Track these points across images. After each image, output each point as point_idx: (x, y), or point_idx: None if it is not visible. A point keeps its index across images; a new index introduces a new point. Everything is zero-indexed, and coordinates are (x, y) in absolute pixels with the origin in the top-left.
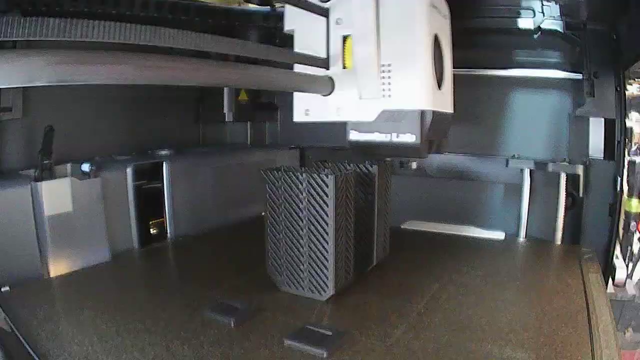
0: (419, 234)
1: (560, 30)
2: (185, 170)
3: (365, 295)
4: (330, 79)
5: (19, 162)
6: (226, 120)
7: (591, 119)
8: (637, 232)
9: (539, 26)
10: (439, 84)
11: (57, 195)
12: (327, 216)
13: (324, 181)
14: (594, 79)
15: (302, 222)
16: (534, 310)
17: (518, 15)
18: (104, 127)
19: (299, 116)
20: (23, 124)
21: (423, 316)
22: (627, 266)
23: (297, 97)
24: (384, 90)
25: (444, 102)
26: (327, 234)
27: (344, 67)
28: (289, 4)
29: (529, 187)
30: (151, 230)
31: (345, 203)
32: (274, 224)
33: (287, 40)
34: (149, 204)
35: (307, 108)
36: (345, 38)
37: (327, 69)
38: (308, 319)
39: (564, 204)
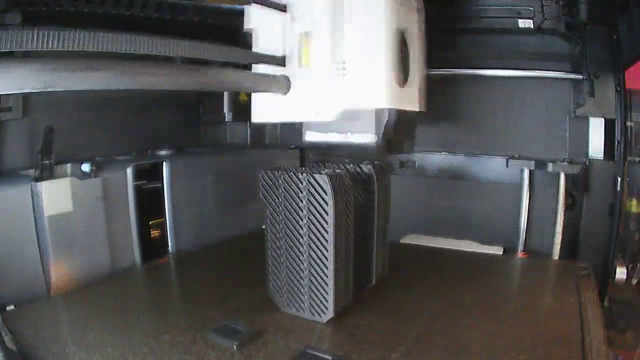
0: (418, 249)
1: (560, 30)
2: (186, 170)
3: (365, 317)
4: (286, 77)
5: (19, 162)
6: (226, 120)
7: (591, 119)
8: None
9: (539, 26)
10: (402, 81)
11: (57, 195)
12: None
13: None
14: (594, 79)
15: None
16: (529, 331)
17: (518, 15)
18: (104, 127)
19: (257, 117)
20: (23, 124)
21: (421, 338)
22: (627, 266)
23: (255, 97)
24: (341, 88)
25: (408, 100)
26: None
27: (302, 65)
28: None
29: (528, 187)
30: (151, 230)
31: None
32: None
33: None
34: (149, 204)
35: (265, 108)
36: (304, 35)
37: (284, 66)
38: (308, 342)
39: (562, 214)
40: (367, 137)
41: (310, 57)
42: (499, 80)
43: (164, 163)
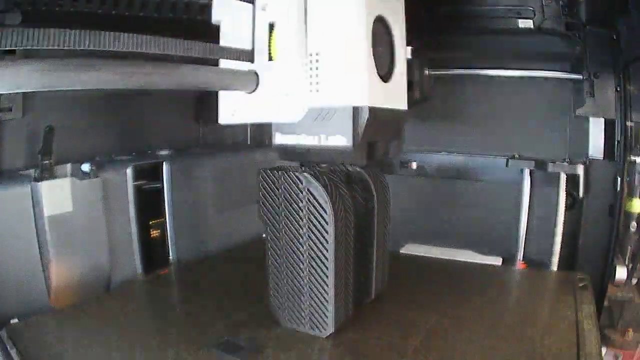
0: (417, 260)
1: (560, 30)
2: (186, 170)
3: (364, 331)
4: (255, 73)
5: (19, 162)
6: None
7: (591, 119)
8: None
9: (539, 26)
10: (386, 76)
11: (57, 195)
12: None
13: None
14: (594, 79)
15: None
16: (525, 347)
17: (518, 15)
18: (104, 127)
19: (224, 117)
20: (23, 124)
21: (419, 353)
22: (627, 266)
23: (222, 96)
24: (311, 84)
25: (391, 97)
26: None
27: (270, 60)
28: None
29: (529, 187)
30: (151, 231)
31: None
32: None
33: None
34: (149, 204)
35: (233, 108)
36: (272, 26)
37: (252, 62)
38: (309, 357)
39: (562, 217)
40: (341, 139)
41: (278, 51)
42: (499, 80)
43: (164, 163)
